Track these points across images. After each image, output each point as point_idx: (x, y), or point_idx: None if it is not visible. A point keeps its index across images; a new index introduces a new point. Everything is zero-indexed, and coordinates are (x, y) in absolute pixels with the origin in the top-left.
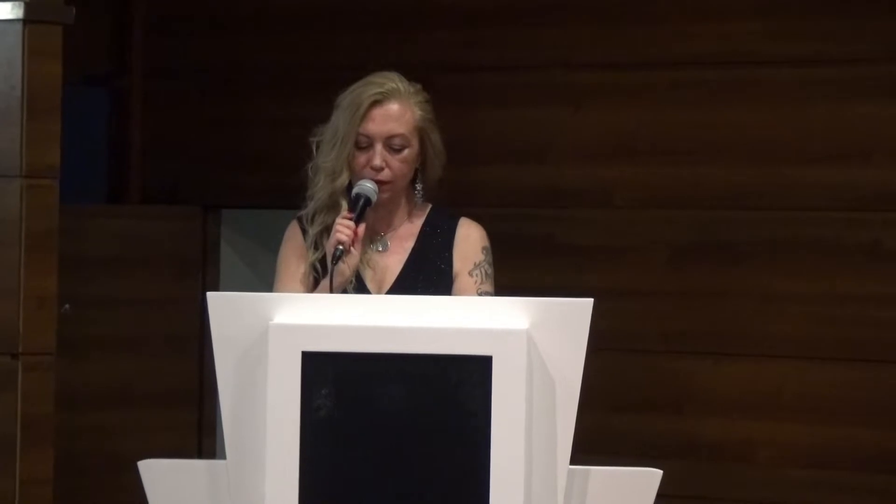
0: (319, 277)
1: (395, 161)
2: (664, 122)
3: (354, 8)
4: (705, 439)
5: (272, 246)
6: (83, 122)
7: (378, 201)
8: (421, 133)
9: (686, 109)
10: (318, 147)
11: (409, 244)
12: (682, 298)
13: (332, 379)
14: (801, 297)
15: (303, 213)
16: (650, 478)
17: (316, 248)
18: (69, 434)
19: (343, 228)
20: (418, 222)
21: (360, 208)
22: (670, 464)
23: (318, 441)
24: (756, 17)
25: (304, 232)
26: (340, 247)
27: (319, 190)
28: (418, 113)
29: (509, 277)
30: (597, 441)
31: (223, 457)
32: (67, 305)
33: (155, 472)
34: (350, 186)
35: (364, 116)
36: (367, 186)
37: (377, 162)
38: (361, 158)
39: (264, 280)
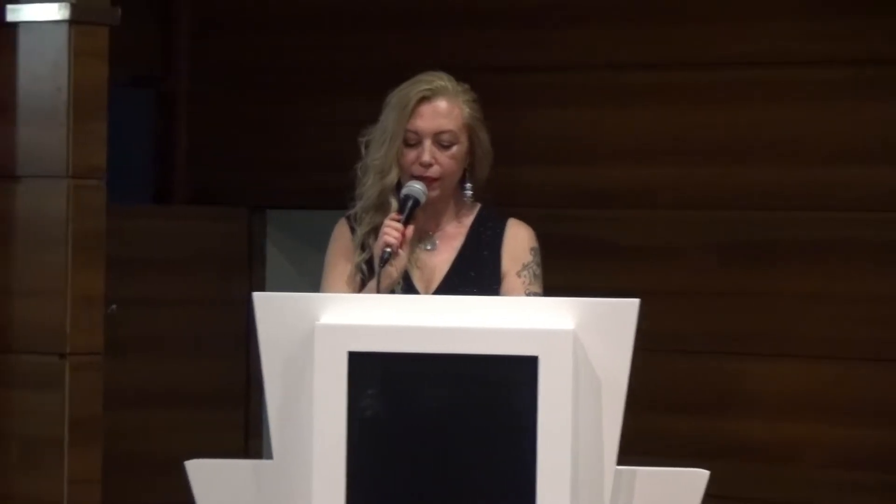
0: (366, 278)
1: (444, 157)
2: (709, 123)
3: (398, 9)
4: (751, 440)
5: (318, 246)
6: (129, 123)
7: (427, 199)
8: (469, 131)
9: (731, 110)
10: (367, 146)
11: (458, 244)
12: (728, 299)
13: (378, 379)
14: (846, 297)
15: (351, 212)
16: (697, 478)
17: (363, 249)
18: (116, 434)
19: (391, 230)
20: (467, 222)
21: (409, 210)
22: (716, 464)
23: (365, 441)
24: (801, 18)
25: (353, 231)
26: (388, 249)
27: (368, 189)
28: (466, 111)
29: (553, 278)
30: (643, 441)
31: (269, 457)
32: (114, 306)
33: (202, 473)
34: (399, 185)
35: (412, 113)
36: (415, 188)
37: (426, 158)
38: (410, 155)
39: (310, 280)
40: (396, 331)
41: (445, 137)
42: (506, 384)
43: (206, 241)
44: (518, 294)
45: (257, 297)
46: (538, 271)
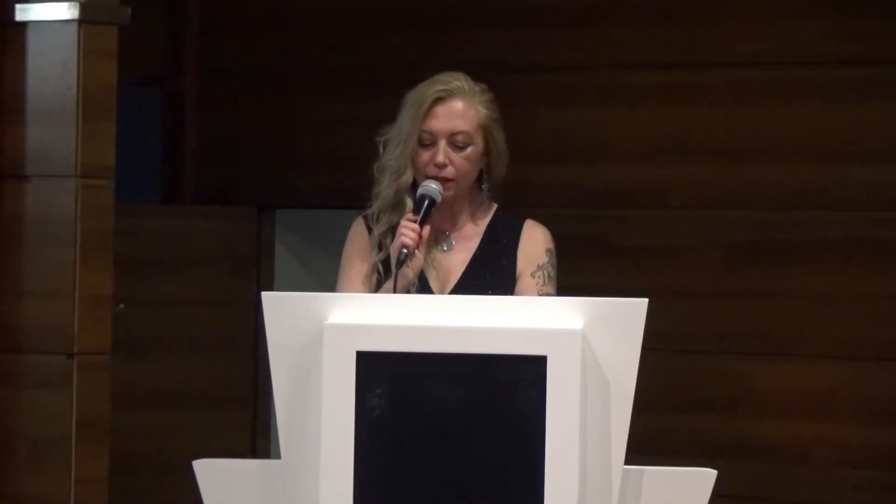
0: (382, 278)
1: (459, 158)
2: (719, 123)
3: (408, 8)
4: (760, 440)
5: (326, 246)
6: (138, 122)
7: (442, 200)
8: (485, 132)
9: (741, 109)
10: (384, 146)
11: (474, 244)
12: (737, 299)
13: (386, 379)
14: (857, 297)
15: (368, 211)
16: (705, 478)
17: (380, 248)
18: (124, 434)
19: (408, 231)
20: (483, 222)
21: (425, 210)
22: (724, 464)
23: (373, 441)
24: (812, 17)
25: (370, 231)
26: (405, 251)
27: (385, 188)
28: (483, 112)
29: (560, 278)
30: (651, 441)
31: (277, 457)
32: (122, 305)
33: (210, 472)
34: (415, 185)
35: (427, 113)
36: (431, 187)
37: (440, 158)
38: (425, 156)
39: (318, 280)
40: (405, 330)
41: (460, 138)
42: (514, 384)
43: (215, 240)
44: (531, 294)
45: (266, 296)
46: (553, 273)
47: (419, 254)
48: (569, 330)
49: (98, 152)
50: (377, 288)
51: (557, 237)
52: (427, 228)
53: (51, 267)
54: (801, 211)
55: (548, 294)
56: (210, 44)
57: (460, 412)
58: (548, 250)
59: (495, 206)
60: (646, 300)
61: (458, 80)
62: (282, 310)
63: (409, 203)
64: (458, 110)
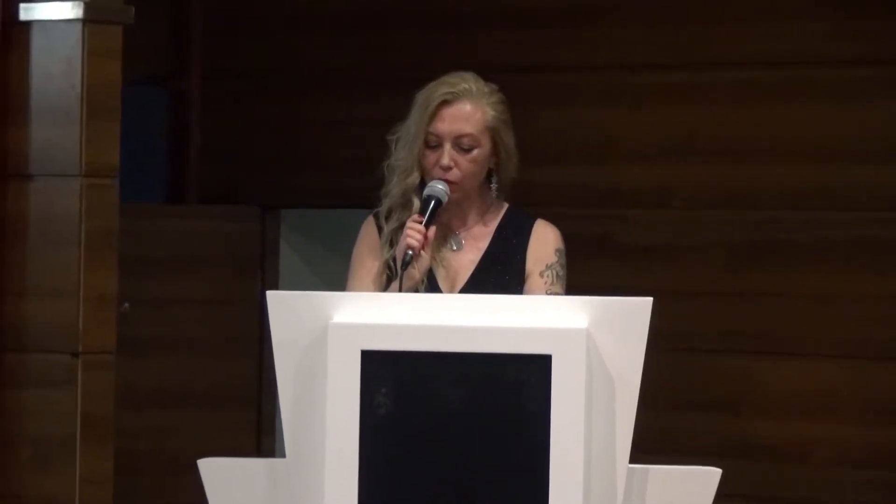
0: (392, 276)
1: (464, 161)
2: (722, 123)
3: (412, 9)
4: (762, 439)
5: (330, 245)
6: (142, 121)
7: (450, 200)
8: (493, 133)
9: (745, 110)
10: (395, 145)
11: (484, 244)
12: (740, 298)
13: (391, 378)
14: (859, 297)
15: (379, 209)
16: (709, 477)
17: (391, 246)
18: (128, 433)
19: (413, 233)
20: (494, 222)
21: (431, 210)
22: (727, 463)
23: (377, 440)
24: (816, 17)
25: (380, 229)
26: (410, 252)
27: (393, 188)
28: (490, 113)
29: (567, 277)
30: (655, 440)
31: (282, 456)
32: (127, 305)
33: (214, 471)
34: (422, 185)
35: (433, 115)
36: (437, 188)
37: (445, 161)
38: (431, 157)
39: (323, 279)
40: (409, 329)
41: (465, 141)
42: (519, 383)
43: (219, 240)
44: (539, 294)
45: (271, 295)
46: (562, 272)
47: (425, 254)
48: (574, 329)
49: (102, 152)
50: (388, 285)
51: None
52: (433, 229)
53: (55, 266)
54: (802, 211)
55: (556, 294)
56: (214, 44)
57: (465, 411)
58: (557, 250)
59: (506, 205)
60: (650, 299)
61: (466, 82)
62: (287, 309)
63: (417, 203)
64: (463, 113)
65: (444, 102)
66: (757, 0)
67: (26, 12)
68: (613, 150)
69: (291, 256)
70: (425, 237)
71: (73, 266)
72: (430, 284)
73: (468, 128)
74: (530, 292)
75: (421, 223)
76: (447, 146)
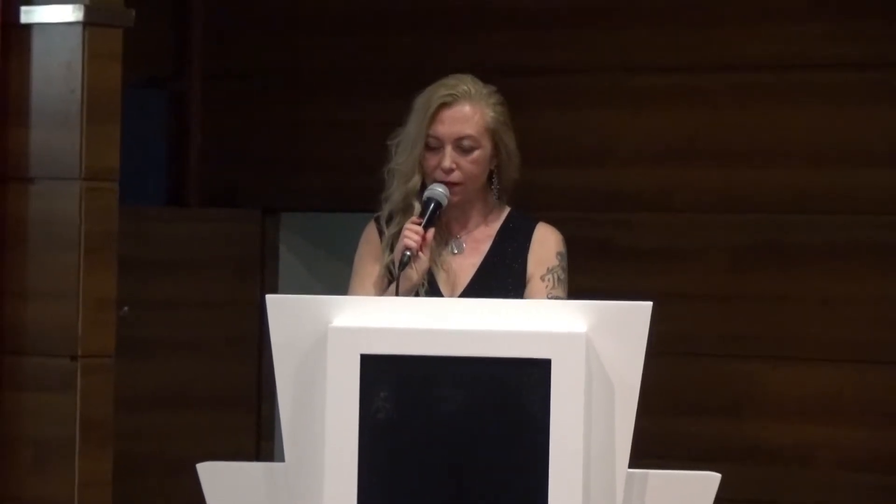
0: (393, 279)
1: (466, 163)
2: (724, 126)
3: (413, 10)
4: (764, 443)
5: (331, 248)
6: (143, 124)
7: (451, 203)
8: (493, 135)
9: (746, 112)
10: (395, 149)
11: (485, 247)
12: (742, 302)
13: (390, 382)
14: (861, 300)
15: (380, 213)
16: (708, 481)
17: (391, 250)
18: (128, 436)
19: (411, 234)
20: (495, 225)
21: (430, 213)
22: (728, 467)
23: (377, 444)
24: (815, 20)
25: (381, 233)
26: (408, 253)
27: (394, 192)
28: (490, 115)
29: (569, 281)
30: (655, 444)
31: (281, 460)
32: (126, 308)
33: (214, 475)
34: (423, 189)
35: (433, 118)
36: (437, 191)
37: (447, 163)
38: (432, 160)
39: (323, 282)
40: (409, 334)
41: (466, 143)
42: (518, 387)
43: (219, 243)
44: (540, 298)
45: (270, 299)
46: (563, 276)
47: (423, 256)
48: (573, 333)
49: (102, 155)
50: (387, 289)
51: None
52: (432, 231)
53: (55, 269)
54: (805, 214)
55: (557, 297)
56: (215, 46)
57: (464, 415)
58: (558, 253)
59: (508, 208)
60: (650, 304)
61: (465, 84)
62: (286, 313)
63: (418, 207)
64: (463, 115)
65: (444, 105)
66: (758, 3)
67: (27, 15)
68: (614, 153)
69: (291, 259)
70: (423, 238)
71: (72, 269)
72: (431, 288)
73: (468, 129)
74: (531, 296)
75: (420, 225)
76: (448, 148)
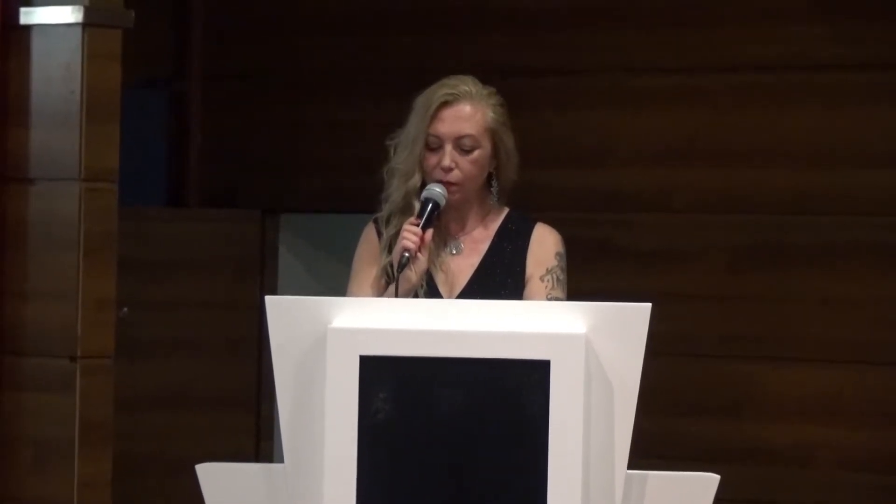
0: (390, 280)
1: (466, 162)
2: (723, 126)
3: (413, 10)
4: (763, 443)
5: (330, 249)
6: (142, 125)
7: (450, 203)
8: (493, 135)
9: (745, 113)
10: (394, 149)
11: (484, 247)
12: (741, 302)
13: (389, 383)
14: (860, 301)
15: (379, 214)
16: (708, 482)
17: (389, 251)
18: (127, 437)
19: (409, 235)
20: (493, 226)
21: (428, 213)
22: (728, 467)
23: (376, 445)
24: (816, 21)
25: (380, 234)
26: (406, 254)
27: (394, 192)
28: (490, 115)
29: (568, 282)
30: (655, 445)
31: (280, 460)
32: (126, 309)
33: (213, 476)
34: (423, 187)
35: (434, 117)
36: (435, 191)
37: (447, 162)
38: (432, 159)
39: (322, 283)
40: (408, 334)
41: (466, 142)
42: (517, 388)
43: (219, 243)
44: (539, 298)
45: (269, 300)
46: (562, 276)
47: (421, 257)
48: (572, 334)
49: (102, 155)
50: (386, 289)
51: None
52: (430, 232)
53: (54, 270)
54: (805, 215)
55: (556, 298)
56: (214, 46)
57: (463, 416)
58: (557, 254)
59: (507, 209)
60: (649, 305)
61: (466, 84)
62: (285, 314)
63: (418, 206)
64: (464, 114)
65: (445, 104)
66: (758, 3)
67: (26, 16)
68: (614, 154)
69: (291, 260)
70: (422, 239)
71: (72, 270)
72: (430, 288)
73: (469, 129)
74: (531, 296)
75: (418, 226)
76: (448, 147)
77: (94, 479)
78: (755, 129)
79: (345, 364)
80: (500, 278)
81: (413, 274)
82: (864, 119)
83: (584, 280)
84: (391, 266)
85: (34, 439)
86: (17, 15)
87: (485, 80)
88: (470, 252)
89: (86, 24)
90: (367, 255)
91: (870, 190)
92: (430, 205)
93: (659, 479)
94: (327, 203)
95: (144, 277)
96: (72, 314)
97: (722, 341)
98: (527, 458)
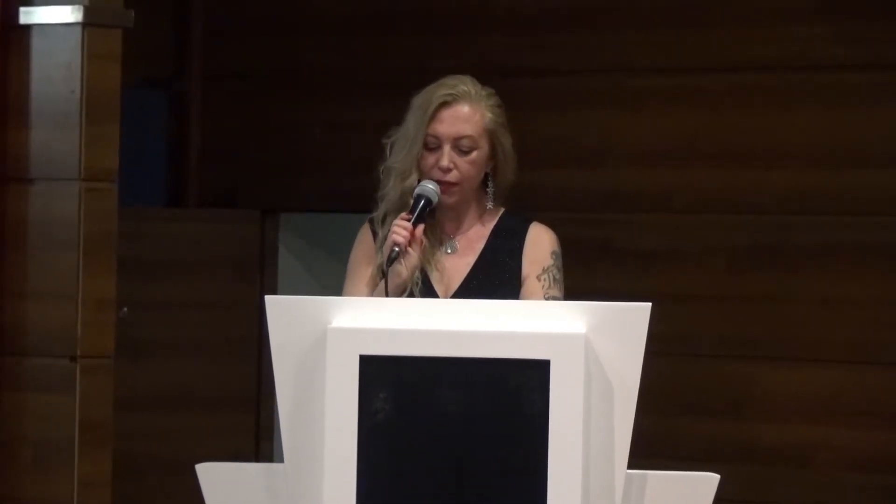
0: (383, 277)
1: (463, 163)
2: (723, 126)
3: (413, 11)
4: (763, 444)
5: (330, 249)
6: (142, 125)
7: (447, 203)
8: (491, 136)
9: (745, 113)
10: (391, 148)
11: (479, 247)
12: (741, 302)
13: (389, 382)
14: (860, 301)
15: (374, 214)
16: (708, 482)
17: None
18: (127, 437)
19: (399, 230)
20: (489, 226)
21: (420, 209)
22: (727, 468)
23: (376, 445)
24: (817, 21)
25: (375, 234)
26: (396, 248)
27: (390, 191)
28: (488, 116)
29: (567, 282)
30: (654, 445)
31: (280, 460)
32: (125, 309)
33: (213, 476)
34: None
35: (433, 117)
36: (428, 188)
37: (445, 163)
38: (430, 159)
39: (322, 283)
40: (408, 334)
41: (465, 143)
42: (517, 388)
43: (219, 244)
44: (537, 298)
45: (269, 300)
46: (559, 276)
47: (412, 252)
48: (572, 334)
49: (102, 156)
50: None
51: (561, 241)
52: (421, 227)
53: (54, 270)
54: (805, 215)
55: (554, 297)
56: (214, 46)
57: (463, 416)
58: (553, 252)
59: (503, 209)
60: (649, 305)
61: (465, 84)
62: (285, 313)
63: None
64: (463, 114)
65: (444, 104)
66: (758, 3)
67: (26, 16)
68: (613, 154)
69: (290, 260)
70: (412, 234)
71: (71, 270)
72: (425, 287)
73: (468, 129)
74: (528, 296)
75: (409, 221)
76: (446, 148)
77: (94, 479)
78: (755, 130)
79: (345, 364)
80: (495, 278)
81: (404, 269)
82: (864, 119)
83: (584, 280)
84: (384, 264)
85: (34, 439)
86: (16, 15)
87: (485, 80)
88: (465, 251)
89: (86, 24)
90: (363, 255)
91: (870, 190)
92: (423, 201)
93: (659, 479)
94: (327, 203)
95: (144, 277)
96: (72, 314)
97: (721, 341)
98: (527, 458)
